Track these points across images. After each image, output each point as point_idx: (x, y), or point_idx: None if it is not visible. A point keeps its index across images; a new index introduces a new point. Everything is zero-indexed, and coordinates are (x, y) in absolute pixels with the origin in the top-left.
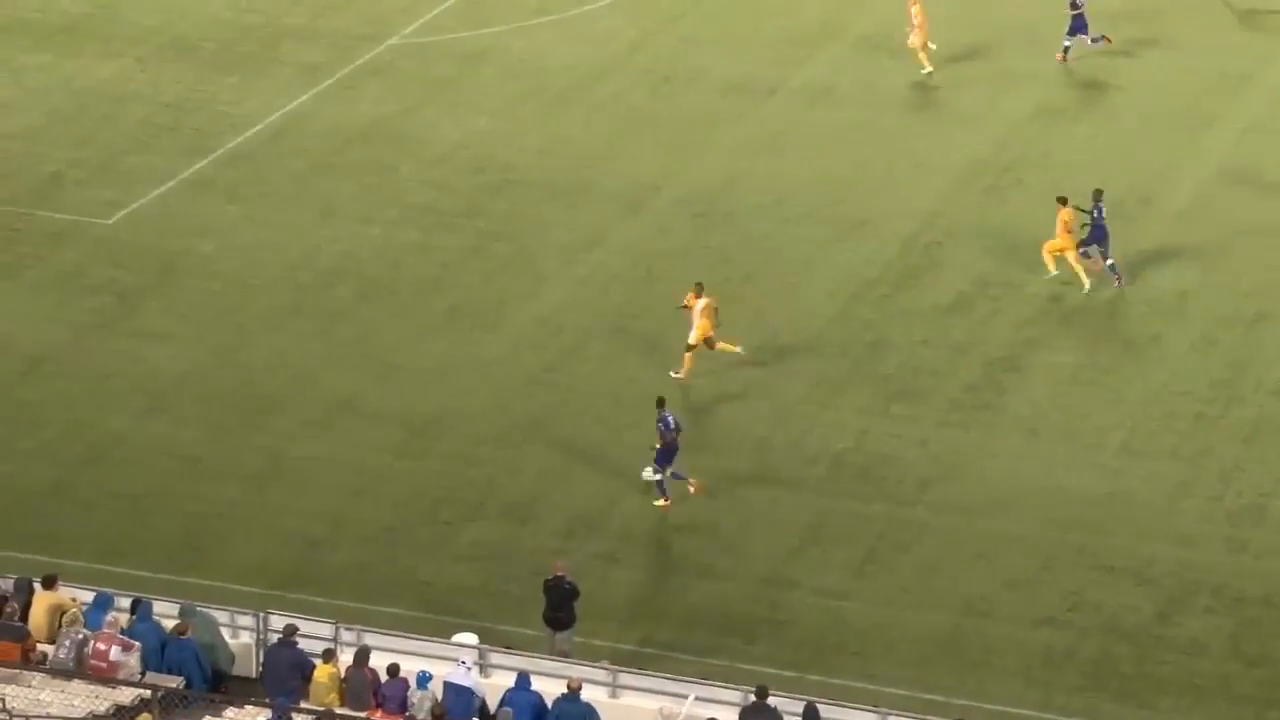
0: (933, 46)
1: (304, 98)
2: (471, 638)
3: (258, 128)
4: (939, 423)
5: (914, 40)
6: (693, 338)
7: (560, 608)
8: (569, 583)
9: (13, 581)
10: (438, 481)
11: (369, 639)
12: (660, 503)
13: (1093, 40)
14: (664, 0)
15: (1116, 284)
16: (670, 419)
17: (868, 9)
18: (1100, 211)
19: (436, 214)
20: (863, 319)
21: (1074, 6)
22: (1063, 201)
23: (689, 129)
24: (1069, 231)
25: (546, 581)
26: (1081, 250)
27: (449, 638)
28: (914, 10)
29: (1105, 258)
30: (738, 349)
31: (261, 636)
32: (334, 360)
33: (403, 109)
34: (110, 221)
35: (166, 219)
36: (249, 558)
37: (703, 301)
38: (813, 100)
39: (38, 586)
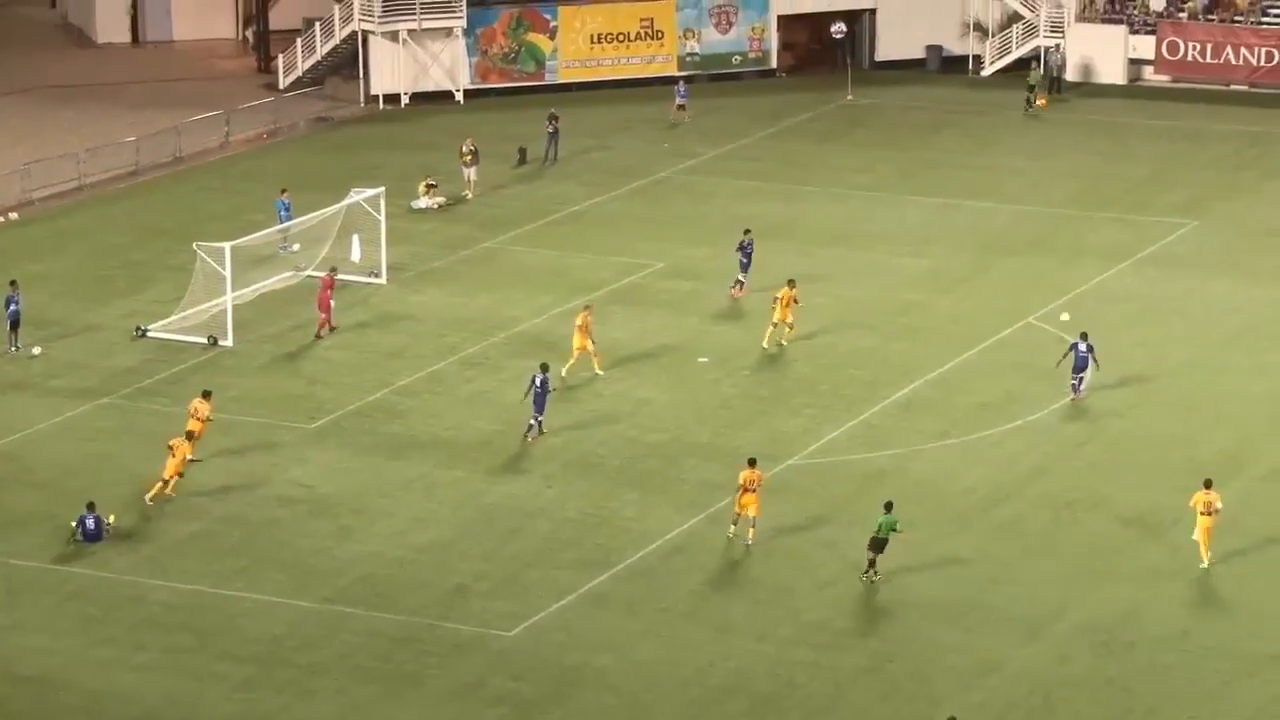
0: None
1: (703, 515)
2: None
3: (657, 543)
4: None
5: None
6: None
7: None
8: None
9: None
10: None
11: None
12: None
13: (737, 283)
14: (1067, 427)
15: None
16: None
17: (1275, 445)
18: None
19: (830, 633)
20: None
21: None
22: None
23: (1090, 556)
24: None
25: None
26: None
27: None
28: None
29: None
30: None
31: None
32: None
33: (800, 527)
34: (511, 634)
35: (566, 632)
36: None
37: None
38: (1218, 529)
39: None
